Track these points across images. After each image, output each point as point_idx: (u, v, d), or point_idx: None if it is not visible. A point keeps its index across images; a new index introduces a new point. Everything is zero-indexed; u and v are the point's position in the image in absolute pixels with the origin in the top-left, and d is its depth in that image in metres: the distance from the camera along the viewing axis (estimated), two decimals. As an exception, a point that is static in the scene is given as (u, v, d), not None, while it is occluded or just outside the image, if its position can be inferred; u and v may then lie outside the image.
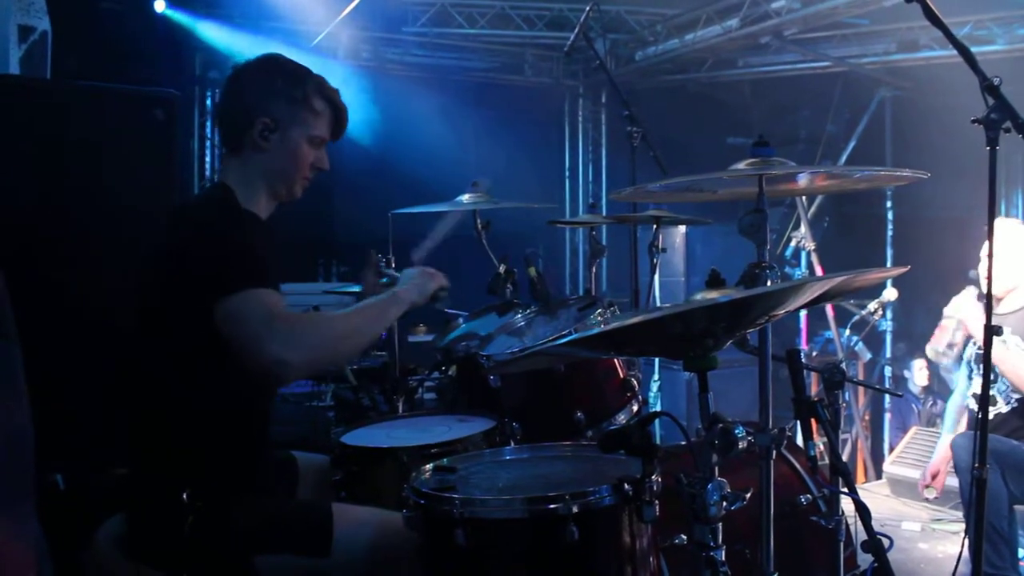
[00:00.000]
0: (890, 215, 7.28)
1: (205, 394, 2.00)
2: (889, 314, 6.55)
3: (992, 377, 3.44)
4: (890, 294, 3.98)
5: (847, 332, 5.25)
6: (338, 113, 2.22)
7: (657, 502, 1.64)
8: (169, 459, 1.98)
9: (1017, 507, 3.51)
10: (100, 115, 2.94)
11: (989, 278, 2.40)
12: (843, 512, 2.17)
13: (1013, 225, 3.83)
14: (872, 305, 4.16)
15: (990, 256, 2.36)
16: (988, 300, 2.41)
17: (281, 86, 2.14)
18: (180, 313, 1.94)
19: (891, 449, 6.00)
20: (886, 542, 1.72)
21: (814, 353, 6.44)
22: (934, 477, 4.08)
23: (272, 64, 2.19)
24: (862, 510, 1.70)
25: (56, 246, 2.76)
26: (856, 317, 4.54)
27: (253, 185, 2.15)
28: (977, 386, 3.80)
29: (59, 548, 1.92)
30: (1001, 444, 3.42)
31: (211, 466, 1.99)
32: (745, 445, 1.49)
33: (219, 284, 1.88)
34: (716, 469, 1.52)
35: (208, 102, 6.67)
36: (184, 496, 1.90)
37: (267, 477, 2.20)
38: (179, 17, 5.99)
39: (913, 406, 6.55)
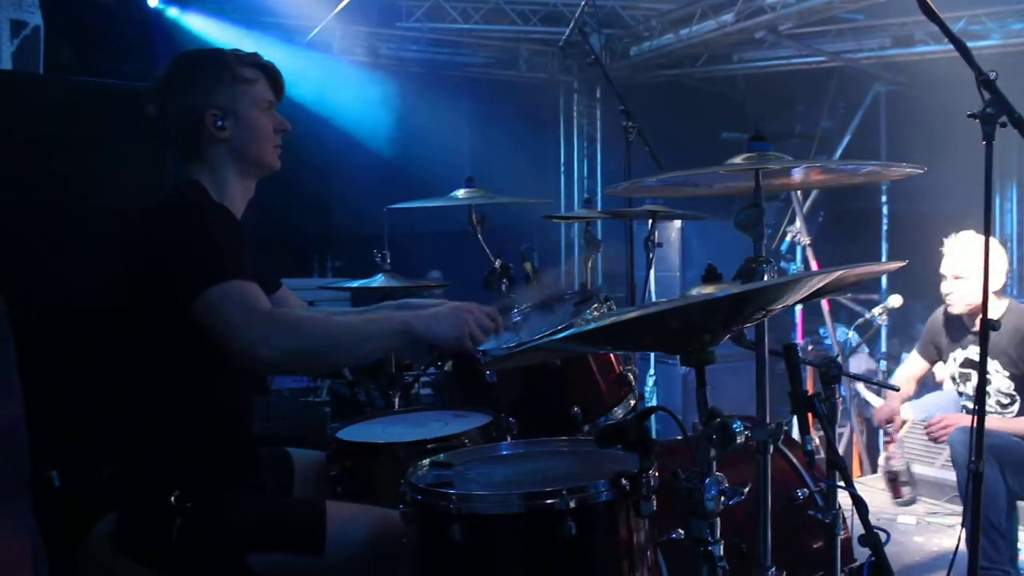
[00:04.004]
0: (885, 209, 7.29)
1: (185, 394, 1.99)
2: (885, 310, 6.57)
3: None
4: (895, 300, 3.99)
5: (850, 333, 5.27)
6: (268, 72, 2.19)
7: (654, 497, 1.64)
8: (155, 460, 1.97)
9: (1020, 503, 3.51)
10: (93, 110, 2.92)
11: (986, 271, 2.39)
12: (840, 506, 2.16)
13: (971, 239, 3.81)
14: (876, 310, 4.17)
15: (986, 251, 2.35)
16: (985, 292, 2.40)
17: (205, 75, 2.12)
18: (158, 312, 1.93)
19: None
20: (883, 536, 1.72)
21: (810, 348, 6.44)
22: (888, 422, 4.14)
23: (185, 62, 2.16)
24: (859, 504, 1.70)
25: (48, 242, 2.75)
26: (860, 320, 4.56)
27: (224, 177, 2.13)
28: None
29: (54, 544, 1.92)
30: (1000, 440, 3.41)
31: (197, 466, 1.98)
32: (743, 440, 1.49)
33: (199, 276, 1.86)
34: (714, 464, 1.52)
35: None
36: (172, 499, 1.89)
37: (257, 475, 2.18)
38: (172, 12, 5.97)
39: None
